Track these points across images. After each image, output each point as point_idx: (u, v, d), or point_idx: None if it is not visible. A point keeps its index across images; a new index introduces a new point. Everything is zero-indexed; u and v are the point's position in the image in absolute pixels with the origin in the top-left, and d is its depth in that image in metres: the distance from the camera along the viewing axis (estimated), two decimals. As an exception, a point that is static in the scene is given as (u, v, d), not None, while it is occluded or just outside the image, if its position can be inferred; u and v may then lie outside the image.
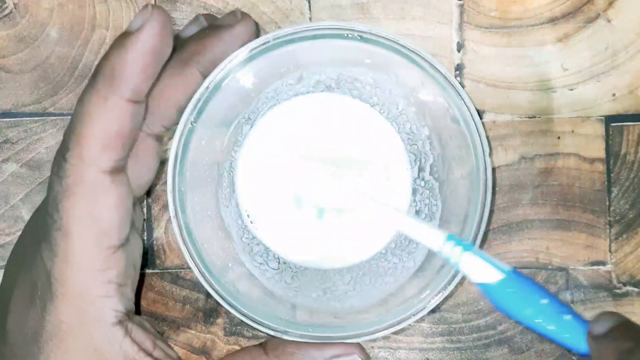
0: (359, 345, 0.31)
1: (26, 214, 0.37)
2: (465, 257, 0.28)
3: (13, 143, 0.37)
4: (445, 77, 0.30)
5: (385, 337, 0.36)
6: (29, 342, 0.29)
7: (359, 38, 0.30)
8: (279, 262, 0.35)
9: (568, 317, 0.27)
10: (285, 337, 0.30)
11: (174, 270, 0.36)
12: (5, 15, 0.37)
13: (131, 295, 0.30)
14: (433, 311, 0.35)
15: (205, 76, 0.30)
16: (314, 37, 0.30)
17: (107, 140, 0.27)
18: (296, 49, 0.30)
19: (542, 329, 0.28)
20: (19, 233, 0.37)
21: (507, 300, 0.28)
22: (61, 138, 0.36)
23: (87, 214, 0.28)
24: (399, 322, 0.30)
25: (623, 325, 0.27)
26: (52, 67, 0.37)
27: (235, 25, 0.30)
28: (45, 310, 0.28)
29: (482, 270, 0.28)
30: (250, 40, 0.30)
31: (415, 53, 0.30)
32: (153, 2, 0.36)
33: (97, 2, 0.36)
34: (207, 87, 0.30)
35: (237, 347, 0.36)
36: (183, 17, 0.36)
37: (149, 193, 0.36)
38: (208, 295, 0.36)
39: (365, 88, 0.34)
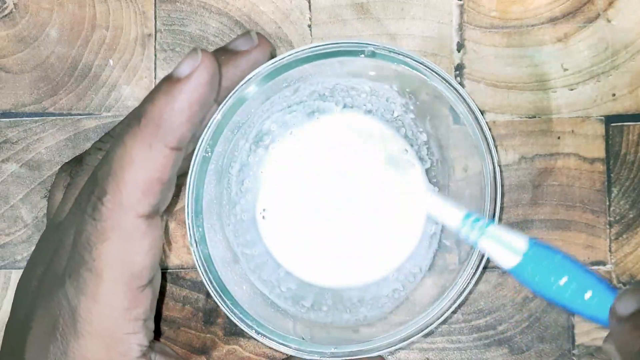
0: (381, 358, 0.31)
1: (26, 214, 0.37)
2: (485, 234, 0.27)
3: (13, 143, 0.37)
4: (452, 86, 0.29)
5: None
6: None
7: (371, 54, 0.29)
8: (287, 281, 0.34)
9: (589, 294, 0.26)
10: (307, 356, 0.30)
11: (174, 270, 0.36)
12: (5, 15, 0.37)
13: (153, 325, 0.30)
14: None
15: (219, 103, 0.29)
16: (328, 55, 0.29)
17: (148, 187, 0.27)
18: (305, 67, 0.30)
19: (566, 305, 0.26)
20: (19, 233, 0.37)
21: (529, 276, 0.27)
22: (61, 138, 0.36)
23: (121, 258, 0.27)
24: (417, 332, 0.30)
25: None
26: (52, 67, 0.37)
27: (252, 51, 0.30)
28: (68, 347, 0.28)
29: (502, 247, 0.27)
30: (265, 62, 0.29)
31: (427, 67, 0.29)
32: (153, 2, 0.36)
33: (97, 2, 0.36)
34: (221, 116, 0.29)
35: (237, 347, 0.36)
36: (183, 17, 0.36)
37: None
38: (208, 295, 0.36)
39: (361, 96, 0.34)
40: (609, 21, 0.35)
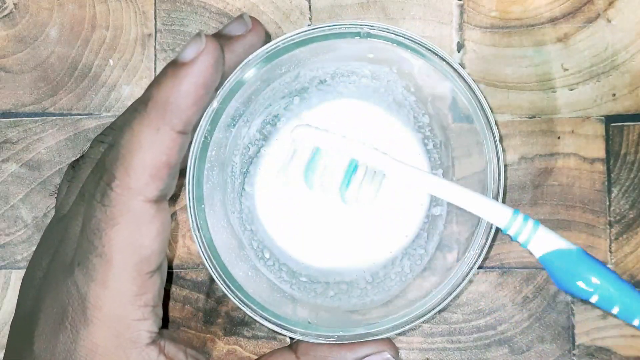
0: (388, 340, 0.31)
1: (26, 214, 0.37)
2: (537, 234, 0.28)
3: (13, 143, 0.37)
4: (448, 64, 0.29)
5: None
6: None
7: (366, 36, 0.29)
8: (290, 268, 0.34)
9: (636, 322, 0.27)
10: (313, 340, 0.30)
11: (174, 271, 0.36)
12: (5, 15, 0.37)
13: (161, 312, 0.30)
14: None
15: (217, 89, 0.29)
16: (325, 37, 0.29)
17: (156, 171, 0.27)
18: (301, 50, 0.30)
19: (604, 308, 0.28)
20: (19, 233, 0.37)
21: (570, 279, 0.27)
22: (61, 138, 0.36)
23: (131, 242, 0.28)
24: (424, 314, 0.30)
25: None
26: (52, 67, 0.37)
27: (247, 35, 0.30)
28: (78, 335, 0.28)
29: (549, 248, 0.28)
30: (260, 46, 0.29)
31: (424, 46, 0.29)
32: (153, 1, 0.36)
33: (97, 2, 0.36)
34: (219, 101, 0.29)
35: (237, 347, 0.36)
36: (183, 17, 0.36)
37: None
38: (208, 295, 0.36)
39: (362, 81, 0.34)
40: (609, 21, 0.35)
